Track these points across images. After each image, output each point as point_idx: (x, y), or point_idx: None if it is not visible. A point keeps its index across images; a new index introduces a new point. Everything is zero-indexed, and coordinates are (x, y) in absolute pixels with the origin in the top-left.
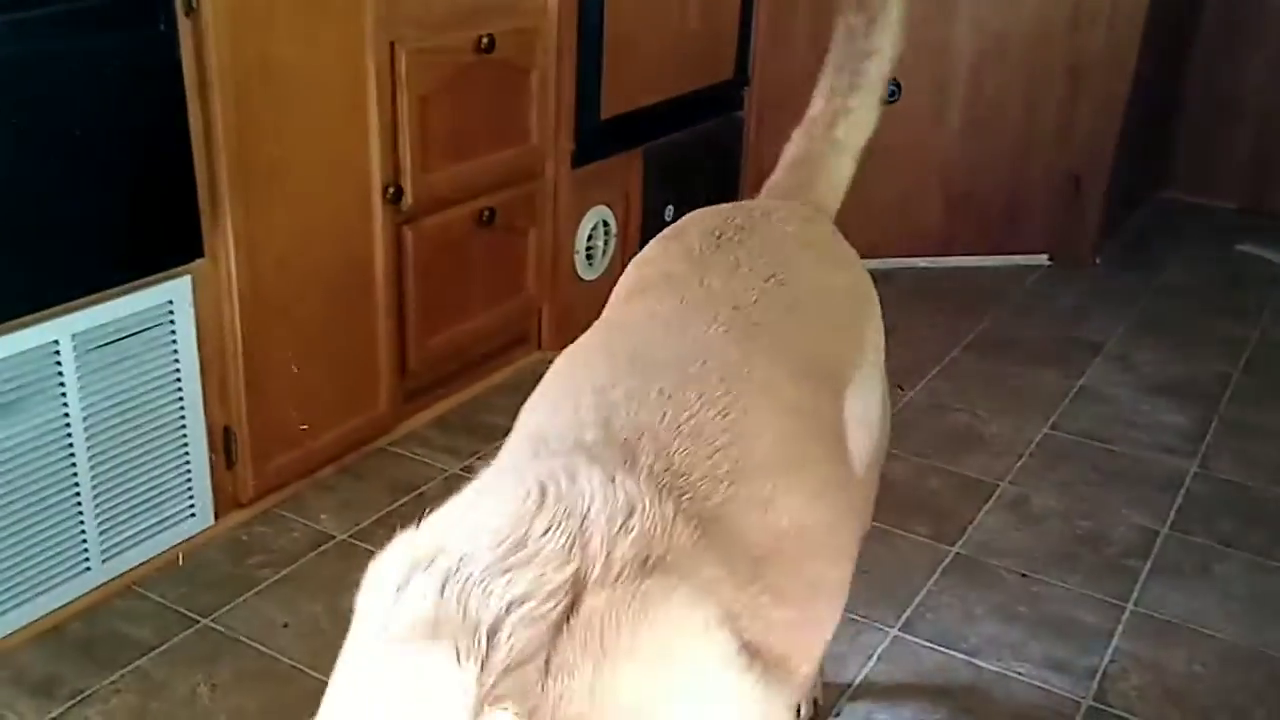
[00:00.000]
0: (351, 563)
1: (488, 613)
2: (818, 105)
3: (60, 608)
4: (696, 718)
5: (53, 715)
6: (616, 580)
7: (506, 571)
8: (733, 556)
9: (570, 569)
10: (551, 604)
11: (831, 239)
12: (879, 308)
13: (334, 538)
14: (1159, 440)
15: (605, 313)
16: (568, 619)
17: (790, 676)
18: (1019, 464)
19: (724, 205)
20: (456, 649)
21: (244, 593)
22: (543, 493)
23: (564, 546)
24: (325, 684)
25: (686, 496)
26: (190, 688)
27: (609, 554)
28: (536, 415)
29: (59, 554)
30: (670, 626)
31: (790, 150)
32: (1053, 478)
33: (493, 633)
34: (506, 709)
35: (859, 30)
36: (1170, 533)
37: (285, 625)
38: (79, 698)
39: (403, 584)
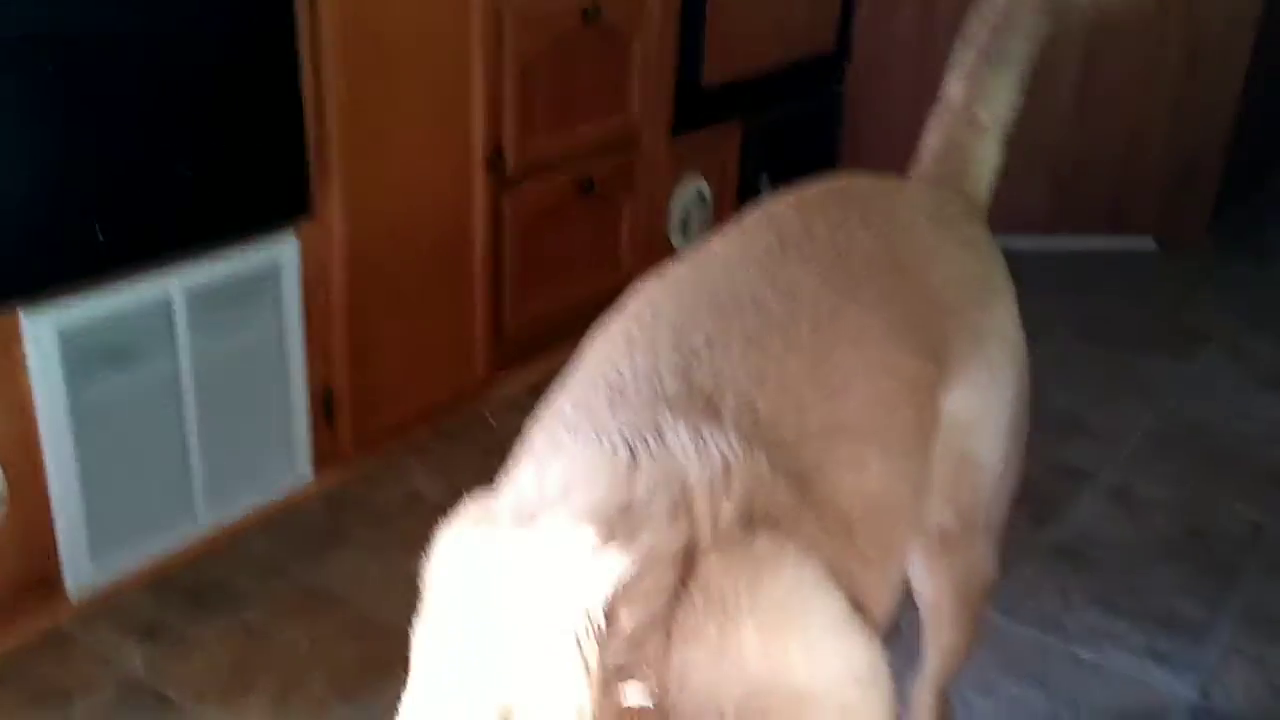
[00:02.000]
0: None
1: (601, 588)
2: (954, 87)
3: (166, 555)
4: (821, 676)
5: (156, 659)
6: (726, 542)
7: (615, 547)
8: (827, 517)
9: (682, 533)
10: (669, 571)
11: (969, 225)
12: (1014, 313)
13: (428, 498)
14: (1269, 432)
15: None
16: (684, 585)
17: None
18: (1123, 453)
19: (855, 176)
20: (573, 632)
21: (341, 548)
22: (633, 452)
23: (670, 510)
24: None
25: (777, 451)
26: (290, 639)
27: (714, 515)
28: (609, 348)
29: (167, 502)
30: (785, 585)
31: (932, 138)
32: (1158, 468)
33: (609, 617)
34: (635, 683)
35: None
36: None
37: (380, 582)
38: (182, 643)
39: (498, 566)
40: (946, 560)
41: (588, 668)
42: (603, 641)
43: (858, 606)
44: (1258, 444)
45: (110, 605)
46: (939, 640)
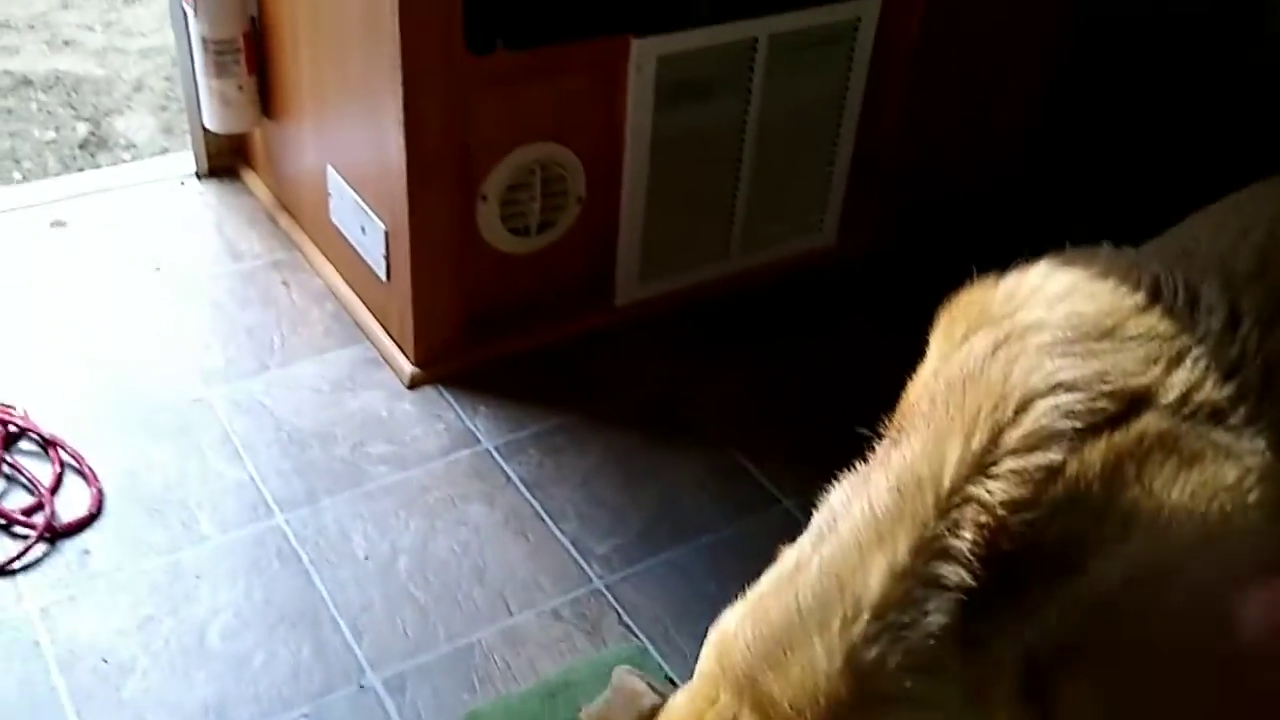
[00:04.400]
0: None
1: (1026, 385)
2: None
3: (699, 284)
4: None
5: (681, 376)
6: (1188, 416)
7: (1069, 355)
8: None
9: (1141, 381)
10: (1101, 405)
11: None
12: None
13: (941, 281)
14: None
15: None
16: (1109, 430)
17: None
18: None
19: None
20: (979, 407)
21: (850, 314)
22: (1155, 295)
23: (1147, 358)
24: None
25: None
26: (793, 389)
27: (1190, 388)
28: (1202, 218)
29: (708, 237)
30: (1229, 491)
31: None
32: None
33: (1022, 407)
34: (991, 492)
35: None
36: None
37: (877, 350)
38: (703, 365)
39: (966, 335)
40: None
41: (967, 434)
42: (1003, 423)
43: None
44: None
45: (651, 320)
46: None
